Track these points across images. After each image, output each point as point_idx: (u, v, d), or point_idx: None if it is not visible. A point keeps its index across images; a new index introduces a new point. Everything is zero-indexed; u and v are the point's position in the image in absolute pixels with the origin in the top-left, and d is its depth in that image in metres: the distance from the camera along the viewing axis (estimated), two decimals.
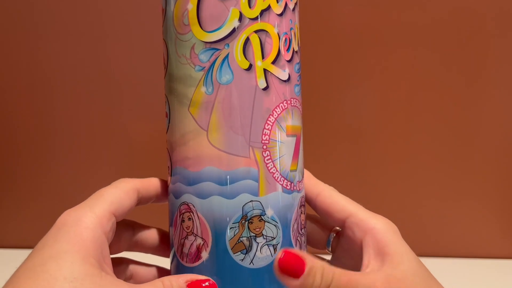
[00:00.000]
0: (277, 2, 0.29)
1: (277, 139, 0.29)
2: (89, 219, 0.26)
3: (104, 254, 0.26)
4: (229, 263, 0.28)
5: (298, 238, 0.30)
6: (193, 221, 0.28)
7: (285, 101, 0.29)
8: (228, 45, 0.28)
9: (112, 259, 0.28)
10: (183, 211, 0.29)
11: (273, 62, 0.29)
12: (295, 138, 0.30)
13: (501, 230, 0.55)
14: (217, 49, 0.28)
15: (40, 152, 0.58)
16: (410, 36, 0.55)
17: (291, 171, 0.29)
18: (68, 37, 0.56)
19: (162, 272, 0.33)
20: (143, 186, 0.30)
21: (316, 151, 0.52)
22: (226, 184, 0.28)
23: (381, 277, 0.26)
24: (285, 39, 0.29)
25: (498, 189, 0.56)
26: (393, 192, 0.57)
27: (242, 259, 0.28)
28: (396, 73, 0.55)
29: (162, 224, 0.34)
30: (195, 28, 0.28)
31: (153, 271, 0.33)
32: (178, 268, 0.29)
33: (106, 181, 0.31)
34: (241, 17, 0.28)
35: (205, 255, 0.28)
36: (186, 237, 0.29)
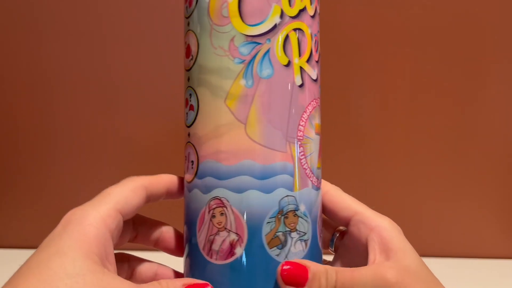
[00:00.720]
0: (311, 4, 0.30)
1: (309, 136, 0.29)
2: (93, 217, 0.26)
3: (108, 252, 0.26)
4: (265, 259, 0.27)
5: (321, 234, 0.30)
6: (226, 216, 0.28)
7: (314, 100, 0.30)
8: (269, 40, 0.28)
9: (115, 254, 0.27)
10: (214, 206, 0.28)
11: (307, 61, 0.29)
12: (319, 136, 0.31)
13: (501, 230, 0.57)
14: (259, 43, 0.28)
15: (40, 152, 0.57)
16: (412, 38, 0.56)
17: (317, 168, 0.30)
18: (68, 38, 0.55)
19: (163, 270, 0.32)
20: (152, 183, 0.30)
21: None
22: (264, 178, 0.27)
23: (391, 267, 0.27)
24: (315, 40, 0.30)
25: (498, 190, 0.57)
26: (394, 192, 0.58)
27: (278, 254, 0.27)
28: (398, 75, 0.56)
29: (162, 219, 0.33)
30: (236, 20, 0.28)
31: (155, 268, 0.32)
32: (204, 267, 0.28)
33: (106, 181, 0.30)
34: (282, 14, 0.28)
35: (239, 251, 0.27)
36: (217, 233, 0.28)
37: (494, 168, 0.58)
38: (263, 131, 0.28)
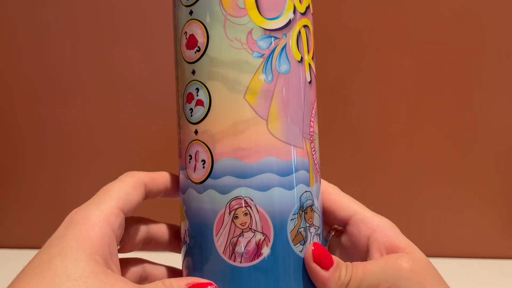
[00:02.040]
0: (311, 1, 0.30)
1: (316, 132, 0.30)
2: (97, 216, 0.25)
3: (112, 252, 0.25)
4: (292, 256, 0.27)
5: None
6: (251, 216, 0.26)
7: (316, 97, 0.30)
8: (285, 35, 0.28)
9: (128, 259, 0.27)
10: (236, 206, 0.27)
11: (312, 58, 0.30)
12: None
13: (502, 230, 0.56)
14: (276, 38, 0.27)
15: (41, 152, 0.58)
16: (413, 38, 0.55)
17: (320, 163, 0.31)
18: (67, 38, 0.56)
19: (177, 273, 0.31)
20: (151, 179, 0.29)
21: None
22: (286, 175, 0.27)
23: (404, 256, 0.28)
24: (314, 38, 0.31)
25: (499, 190, 0.57)
26: (395, 192, 0.57)
27: (301, 251, 0.27)
28: (399, 74, 0.55)
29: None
30: (253, 12, 0.27)
31: (166, 272, 0.31)
32: (226, 271, 0.27)
33: (107, 180, 0.28)
34: (295, 10, 0.28)
35: (266, 251, 0.26)
36: (241, 235, 0.26)
37: (495, 168, 0.57)
38: (283, 127, 0.27)
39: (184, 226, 0.29)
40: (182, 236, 0.29)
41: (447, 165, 0.57)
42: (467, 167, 0.57)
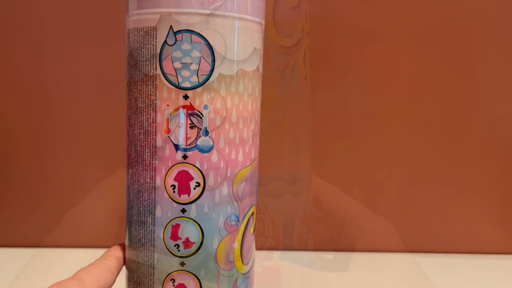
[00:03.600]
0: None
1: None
2: None
3: None
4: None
5: None
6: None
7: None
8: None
9: None
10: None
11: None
12: None
13: (502, 225, 0.57)
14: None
15: (40, 151, 0.57)
16: (411, 34, 0.55)
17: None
18: (65, 36, 0.55)
19: None
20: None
21: (318, 151, 0.45)
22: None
23: None
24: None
25: (498, 185, 0.57)
26: (394, 189, 0.54)
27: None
28: (397, 72, 0.54)
29: None
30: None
31: None
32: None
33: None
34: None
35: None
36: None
37: (494, 163, 0.58)
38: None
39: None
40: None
41: (446, 161, 0.57)
42: (466, 163, 0.57)
